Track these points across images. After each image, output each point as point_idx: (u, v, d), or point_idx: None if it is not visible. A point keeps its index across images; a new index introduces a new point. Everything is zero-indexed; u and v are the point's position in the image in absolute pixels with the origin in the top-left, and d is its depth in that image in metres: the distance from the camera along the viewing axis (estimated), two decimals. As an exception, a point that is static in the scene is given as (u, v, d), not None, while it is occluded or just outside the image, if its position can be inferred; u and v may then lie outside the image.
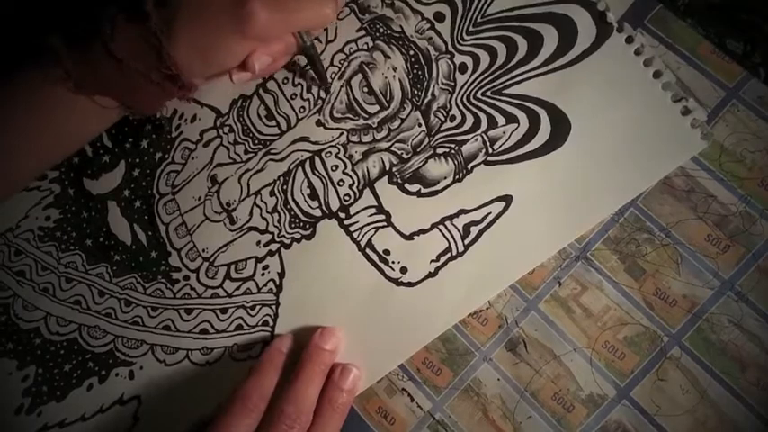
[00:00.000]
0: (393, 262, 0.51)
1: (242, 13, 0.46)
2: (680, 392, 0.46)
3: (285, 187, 0.54)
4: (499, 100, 0.51)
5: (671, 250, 0.48)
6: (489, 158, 0.51)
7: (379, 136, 0.53)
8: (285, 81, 0.56)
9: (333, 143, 0.54)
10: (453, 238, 0.50)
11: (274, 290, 0.53)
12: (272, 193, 0.55)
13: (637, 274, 0.49)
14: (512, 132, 0.51)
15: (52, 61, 0.48)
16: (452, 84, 0.52)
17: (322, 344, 0.50)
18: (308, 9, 0.49)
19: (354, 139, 0.54)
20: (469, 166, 0.51)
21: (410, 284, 0.51)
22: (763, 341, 0.46)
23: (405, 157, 0.52)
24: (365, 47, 0.55)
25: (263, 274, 0.54)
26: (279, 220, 0.54)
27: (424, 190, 0.52)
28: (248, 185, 0.55)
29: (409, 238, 0.51)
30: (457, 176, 0.51)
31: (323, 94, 0.55)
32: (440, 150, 0.52)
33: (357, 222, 0.53)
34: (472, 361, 0.50)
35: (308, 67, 0.55)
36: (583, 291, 0.49)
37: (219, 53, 0.49)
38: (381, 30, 0.55)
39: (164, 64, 0.48)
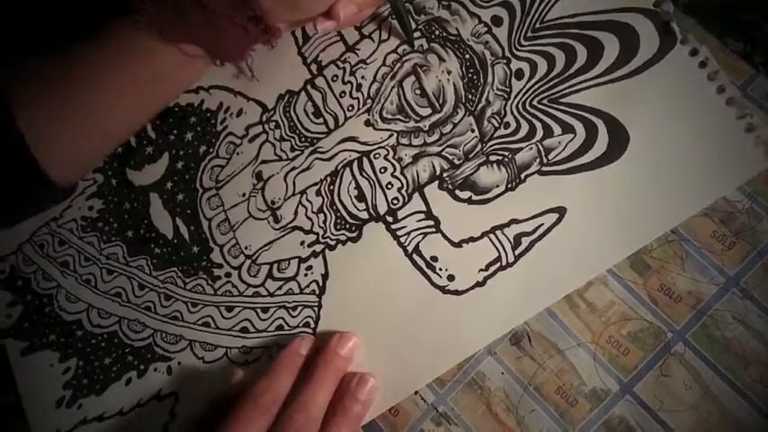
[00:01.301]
0: (440, 269, 0.50)
1: None
2: (683, 388, 0.46)
3: (332, 187, 0.54)
4: (556, 108, 0.50)
5: (676, 246, 0.48)
6: (544, 168, 0.50)
7: (430, 139, 0.52)
8: (335, 78, 0.55)
9: (382, 144, 0.53)
10: (504, 248, 0.49)
11: (317, 291, 0.53)
12: (318, 193, 0.54)
13: (642, 270, 0.48)
14: (568, 142, 0.49)
15: (137, 9, 0.48)
16: (508, 90, 0.51)
17: (338, 349, 0.49)
18: None
19: (404, 141, 0.53)
20: (523, 176, 0.50)
21: (457, 293, 0.50)
22: (766, 338, 0.45)
23: (456, 162, 0.51)
24: (420, 48, 0.54)
25: (305, 275, 0.53)
26: (324, 221, 0.53)
27: (475, 197, 0.51)
28: (294, 184, 0.55)
29: (458, 245, 0.50)
30: (509, 185, 0.50)
31: (372, 93, 0.54)
32: (492, 158, 0.51)
33: (405, 227, 0.52)
34: (476, 354, 0.50)
35: (394, 20, 0.53)
36: (587, 286, 0.49)
37: None
38: (437, 32, 0.54)
39: (248, 6, 0.47)
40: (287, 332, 0.53)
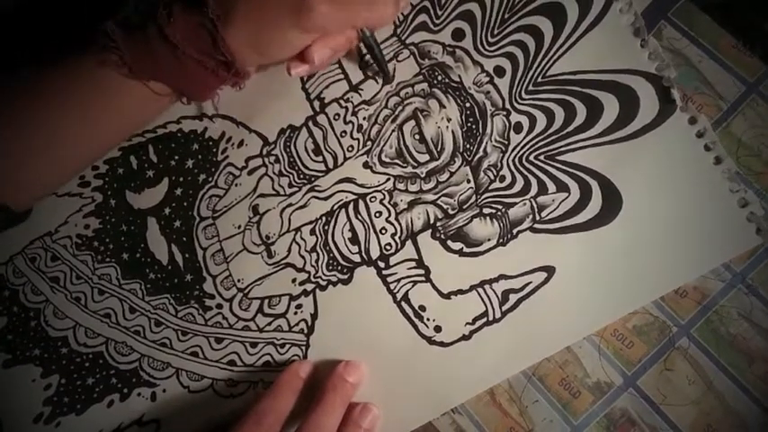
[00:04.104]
0: (428, 319, 0.51)
1: (302, 6, 0.46)
2: (686, 383, 0.47)
3: (326, 228, 0.54)
4: (552, 166, 0.51)
5: (684, 242, 0.49)
6: (536, 225, 0.50)
7: (426, 187, 0.53)
8: (336, 117, 0.56)
9: (379, 188, 0.54)
10: (491, 303, 0.50)
11: (305, 330, 0.53)
12: (312, 232, 0.54)
13: (649, 265, 0.49)
14: (561, 201, 0.50)
15: (107, 46, 0.48)
16: (506, 142, 0.52)
17: (346, 375, 0.50)
18: (368, 6, 0.48)
19: (401, 186, 0.53)
20: (515, 231, 0.50)
21: (443, 344, 0.51)
22: (771, 335, 0.46)
23: (450, 212, 0.52)
24: (421, 92, 0.54)
25: (295, 313, 0.54)
26: (317, 261, 0.54)
27: (466, 249, 0.51)
28: (289, 220, 0.55)
29: (446, 296, 0.51)
30: (501, 240, 0.51)
31: (373, 135, 0.54)
32: (486, 210, 0.51)
33: (395, 273, 0.52)
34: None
35: (369, 59, 0.54)
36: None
37: (276, 44, 0.48)
38: (440, 77, 0.54)
39: (218, 51, 0.48)
40: (274, 369, 0.53)
